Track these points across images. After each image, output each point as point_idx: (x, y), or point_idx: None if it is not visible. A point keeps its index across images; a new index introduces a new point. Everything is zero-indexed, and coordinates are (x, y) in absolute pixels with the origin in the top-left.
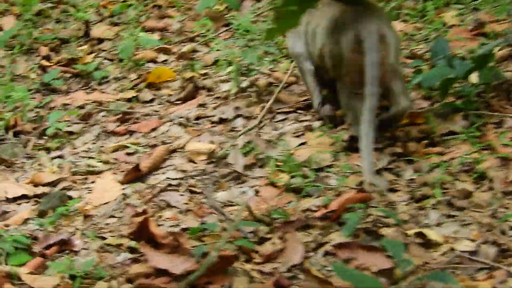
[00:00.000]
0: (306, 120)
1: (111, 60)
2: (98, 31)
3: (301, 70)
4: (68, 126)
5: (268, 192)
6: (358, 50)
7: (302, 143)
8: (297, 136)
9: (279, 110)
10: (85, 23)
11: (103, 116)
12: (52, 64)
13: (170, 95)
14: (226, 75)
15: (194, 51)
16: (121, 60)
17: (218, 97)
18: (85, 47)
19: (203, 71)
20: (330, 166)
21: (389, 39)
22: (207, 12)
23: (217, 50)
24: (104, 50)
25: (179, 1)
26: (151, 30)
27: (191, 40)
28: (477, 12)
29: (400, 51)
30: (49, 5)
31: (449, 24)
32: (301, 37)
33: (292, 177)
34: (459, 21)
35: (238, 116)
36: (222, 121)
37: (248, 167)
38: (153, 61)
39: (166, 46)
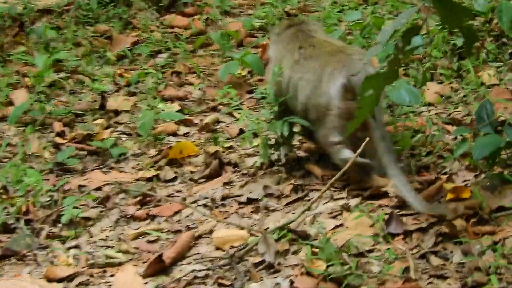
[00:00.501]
0: (342, 198)
1: (129, 134)
2: (114, 102)
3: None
4: (85, 211)
5: (305, 283)
6: (349, 97)
7: (339, 225)
8: (334, 217)
9: (311, 187)
10: (101, 95)
11: (122, 198)
12: (66, 141)
13: (193, 172)
14: (253, 148)
15: (217, 121)
16: (140, 134)
17: (245, 173)
18: (101, 121)
19: (228, 144)
20: (371, 251)
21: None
22: (229, 78)
23: (244, 118)
24: (121, 123)
25: (199, 67)
26: (171, 99)
27: (214, 109)
28: None
29: None
30: (63, 75)
31: (488, 83)
32: (282, 92)
33: (330, 265)
34: (497, 80)
35: (267, 195)
36: (250, 201)
37: (281, 254)
38: (174, 134)
39: (187, 117)
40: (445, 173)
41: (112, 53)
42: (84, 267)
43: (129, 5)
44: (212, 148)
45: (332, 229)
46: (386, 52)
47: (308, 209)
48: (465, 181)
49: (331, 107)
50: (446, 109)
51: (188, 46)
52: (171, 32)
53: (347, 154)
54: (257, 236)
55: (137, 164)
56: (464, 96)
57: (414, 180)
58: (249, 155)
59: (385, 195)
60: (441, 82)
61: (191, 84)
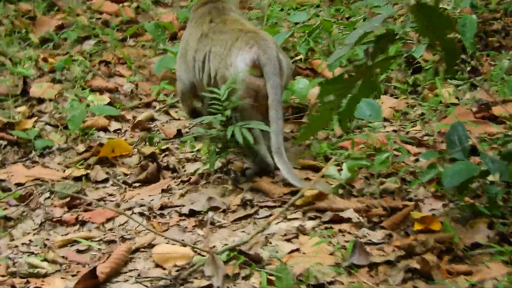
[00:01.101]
0: (296, 219)
1: (54, 126)
2: (38, 89)
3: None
4: (5, 209)
5: None
6: (257, 74)
7: (295, 249)
8: (288, 240)
9: (261, 203)
10: (23, 79)
11: (47, 198)
12: None
13: (127, 174)
14: (192, 151)
15: (152, 119)
16: (66, 127)
17: (185, 181)
18: (23, 108)
19: (164, 146)
20: (332, 283)
21: (284, 64)
22: (165, 73)
23: (181, 118)
24: (45, 113)
25: (130, 58)
26: (99, 90)
27: (148, 105)
28: (476, 90)
29: (290, 77)
30: None
31: (446, 102)
32: (189, 65)
33: None
34: (456, 99)
35: (212, 208)
36: (193, 213)
37: (230, 278)
38: (104, 129)
39: (122, 111)
40: (410, 199)
41: (36, 35)
42: (4, 276)
43: None
44: (147, 149)
45: (288, 253)
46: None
47: (262, 230)
48: (432, 209)
49: (237, 80)
50: (403, 126)
51: (117, 35)
52: (99, 18)
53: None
54: (203, 256)
55: (64, 160)
56: (422, 114)
57: (378, 204)
58: (188, 160)
59: (347, 220)
60: (396, 97)
61: (121, 75)
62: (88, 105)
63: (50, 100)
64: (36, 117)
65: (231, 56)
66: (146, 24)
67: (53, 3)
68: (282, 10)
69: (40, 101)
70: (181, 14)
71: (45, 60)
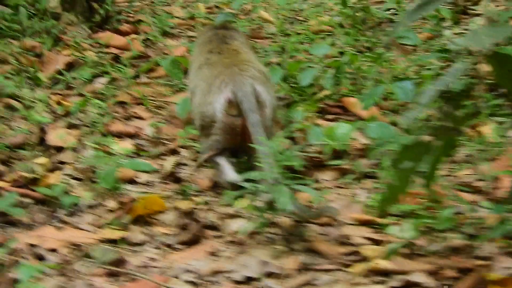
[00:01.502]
0: (361, 284)
1: (78, 179)
2: (54, 136)
3: None
4: (40, 279)
5: None
6: (233, 113)
7: None
8: None
9: (319, 266)
10: (40, 127)
11: (83, 265)
12: (6, 183)
13: (166, 234)
14: (232, 206)
15: (179, 164)
16: (92, 180)
17: (231, 241)
18: (43, 159)
19: (199, 198)
20: None
21: (264, 97)
22: (189, 115)
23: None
24: (65, 163)
25: (146, 97)
26: (119, 135)
27: (173, 152)
28: None
29: (276, 108)
30: None
31: (492, 141)
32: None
33: None
34: (499, 137)
35: (267, 273)
36: (247, 280)
37: None
38: (132, 181)
39: (146, 159)
40: (478, 257)
41: (44, 74)
42: None
43: (56, 18)
44: (183, 204)
45: None
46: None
47: None
48: (506, 268)
49: (215, 120)
50: (451, 169)
51: (129, 71)
52: (108, 53)
53: (231, 176)
54: None
55: (95, 219)
56: (469, 155)
57: (447, 265)
58: (230, 216)
59: (416, 284)
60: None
61: (140, 117)
62: (110, 153)
63: (70, 148)
64: (59, 170)
65: (210, 95)
66: (161, 61)
67: (58, 38)
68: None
69: (59, 149)
70: (192, 47)
71: (59, 103)
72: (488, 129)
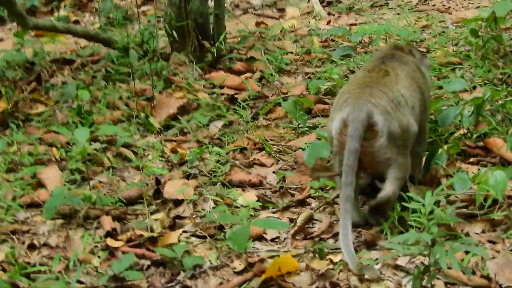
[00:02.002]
0: None
1: (200, 237)
2: (171, 187)
3: None
4: None
5: None
6: (345, 133)
7: None
8: None
9: None
10: (155, 178)
11: None
12: (120, 243)
13: None
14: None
15: (312, 220)
16: (213, 236)
17: None
18: (160, 215)
19: (335, 257)
20: None
21: (380, 127)
22: (318, 163)
23: None
24: (184, 217)
25: (268, 142)
26: (241, 185)
27: (301, 203)
28: None
29: (401, 139)
30: (97, 145)
31: None
32: None
33: None
34: None
35: None
36: None
37: None
38: (261, 237)
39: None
40: None
41: (156, 119)
42: None
43: (166, 59)
44: (318, 264)
45: None
46: None
47: None
48: None
49: (332, 137)
50: None
51: (247, 113)
52: (222, 94)
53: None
54: None
55: (220, 284)
56: None
57: None
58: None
59: None
60: None
61: (262, 164)
62: (231, 205)
63: (189, 201)
64: (179, 228)
65: (334, 111)
66: (282, 102)
67: (169, 80)
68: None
69: (177, 202)
70: (312, 85)
71: (174, 150)
72: None
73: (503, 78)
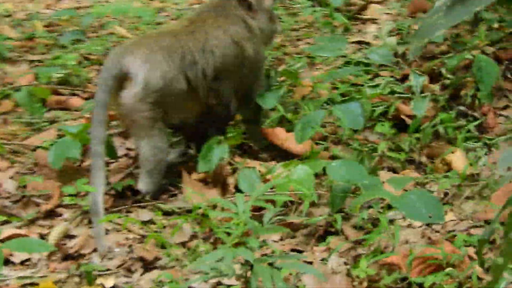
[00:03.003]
0: None
1: None
2: None
3: None
4: None
5: None
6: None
7: None
8: None
9: None
10: None
11: None
12: None
13: None
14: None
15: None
16: None
17: None
18: None
19: (108, 279)
20: None
21: (135, 76)
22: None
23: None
24: None
25: None
26: None
27: (51, 213)
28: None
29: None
30: None
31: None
32: None
33: None
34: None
35: None
36: None
37: None
38: (7, 261)
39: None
40: None
41: None
42: None
43: None
44: None
45: None
46: None
47: None
48: None
49: None
50: None
51: None
52: None
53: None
54: None
55: None
56: (445, 194)
57: None
58: None
59: None
60: (394, 170)
61: None
62: None
63: None
64: None
65: None
66: (16, 94)
67: None
68: None
69: None
70: (43, 74)
71: None
72: (457, 159)
73: None
